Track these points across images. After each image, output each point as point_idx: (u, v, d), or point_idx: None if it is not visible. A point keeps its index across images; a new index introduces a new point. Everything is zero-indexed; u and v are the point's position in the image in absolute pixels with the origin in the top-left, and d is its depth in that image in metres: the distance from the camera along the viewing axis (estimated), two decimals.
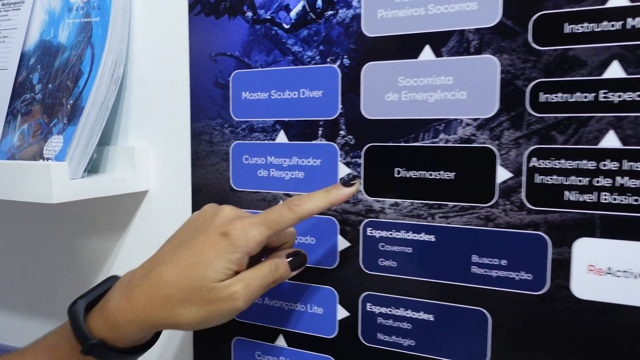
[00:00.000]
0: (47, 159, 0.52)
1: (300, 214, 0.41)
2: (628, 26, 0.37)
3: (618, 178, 0.38)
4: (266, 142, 0.50)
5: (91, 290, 0.43)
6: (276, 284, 0.42)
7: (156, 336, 0.44)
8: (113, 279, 0.44)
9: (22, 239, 0.69)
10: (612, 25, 0.37)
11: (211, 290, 0.39)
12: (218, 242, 0.39)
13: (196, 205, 0.54)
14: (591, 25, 0.38)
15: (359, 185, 0.45)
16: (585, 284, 0.39)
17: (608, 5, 0.37)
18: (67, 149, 0.52)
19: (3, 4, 0.60)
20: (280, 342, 0.51)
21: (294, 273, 0.43)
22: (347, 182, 0.42)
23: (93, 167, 0.57)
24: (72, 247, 0.64)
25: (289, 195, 0.49)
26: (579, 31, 0.38)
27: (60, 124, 0.53)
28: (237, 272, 0.40)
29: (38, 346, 0.44)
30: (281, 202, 0.45)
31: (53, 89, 0.55)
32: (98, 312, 0.41)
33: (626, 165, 0.38)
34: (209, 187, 0.53)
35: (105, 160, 0.58)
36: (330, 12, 0.46)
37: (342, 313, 0.48)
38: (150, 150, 0.57)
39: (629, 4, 0.37)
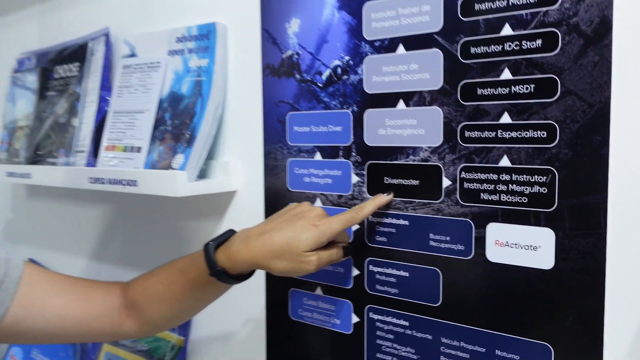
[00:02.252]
0: (174, 169, 0.83)
1: (362, 215, 0.67)
2: (512, 91, 0.59)
3: (510, 185, 0.60)
4: (308, 159, 0.77)
5: (218, 237, 0.69)
6: (333, 262, 0.68)
7: (253, 271, 0.71)
8: (231, 232, 0.70)
9: (157, 220, 1.01)
10: (504, 90, 0.60)
11: (299, 255, 0.63)
12: (311, 229, 0.64)
13: (267, 200, 0.82)
14: (492, 89, 0.61)
15: (392, 195, 0.70)
16: (494, 252, 0.62)
17: (501, 77, 0.60)
18: (186, 163, 0.82)
19: (148, 67, 0.92)
20: (318, 291, 0.78)
21: (344, 259, 0.70)
22: (385, 193, 0.69)
23: (202, 174, 0.86)
24: (188, 226, 0.95)
25: (323, 194, 0.76)
26: (485, 94, 0.61)
27: (182, 146, 0.83)
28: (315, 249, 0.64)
29: (168, 268, 0.72)
30: (318, 200, 0.72)
31: (178, 124, 0.85)
32: (223, 251, 0.67)
33: (514, 177, 0.60)
34: (274, 188, 0.81)
35: (210, 170, 0.87)
36: (345, 77, 0.72)
37: (355, 272, 0.74)
38: (238, 163, 0.85)
39: (512, 77, 0.59)
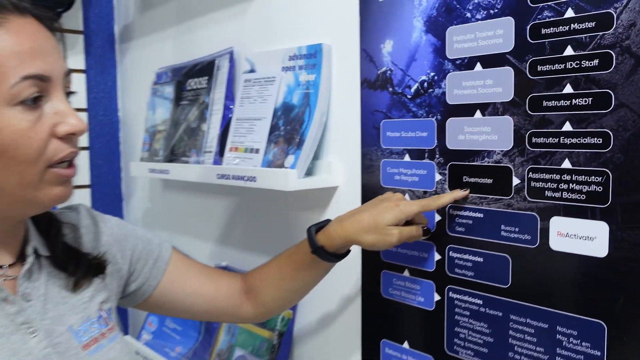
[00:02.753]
0: (286, 167, 0.99)
1: (438, 203, 0.81)
2: (573, 103, 0.69)
3: (570, 184, 0.70)
4: (398, 160, 0.90)
5: (317, 223, 0.85)
6: (412, 240, 0.81)
7: (348, 252, 0.85)
8: (328, 220, 0.84)
9: (271, 210, 1.18)
10: (566, 102, 0.70)
11: (383, 229, 0.77)
12: (393, 208, 0.78)
13: (364, 195, 0.96)
14: (555, 102, 0.71)
15: (468, 191, 0.81)
16: (556, 242, 0.72)
17: (564, 91, 0.70)
18: (296, 163, 0.97)
19: (265, 81, 1.09)
20: (406, 273, 0.91)
21: (423, 238, 0.83)
22: (462, 189, 0.81)
23: (308, 172, 1.01)
24: (297, 216, 1.11)
25: (411, 190, 0.88)
26: (550, 105, 0.71)
27: (293, 149, 0.99)
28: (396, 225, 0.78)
29: (279, 256, 0.90)
30: (407, 196, 0.85)
31: (289, 129, 1.01)
32: (322, 233, 0.82)
33: (574, 177, 0.70)
34: (370, 184, 0.95)
35: (315, 169, 1.02)
36: (430, 90, 0.84)
37: (437, 257, 0.86)
38: (340, 163, 1.00)
39: (573, 91, 0.69)
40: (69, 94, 0.70)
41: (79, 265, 0.76)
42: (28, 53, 0.64)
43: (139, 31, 1.57)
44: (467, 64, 0.80)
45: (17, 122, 0.63)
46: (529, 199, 0.74)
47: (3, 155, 0.63)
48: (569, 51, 0.69)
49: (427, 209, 0.81)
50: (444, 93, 0.83)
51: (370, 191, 0.95)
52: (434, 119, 0.84)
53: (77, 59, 1.58)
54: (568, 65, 0.69)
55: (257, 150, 1.06)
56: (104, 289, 0.79)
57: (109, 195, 1.67)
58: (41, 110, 0.65)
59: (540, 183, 0.73)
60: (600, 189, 0.68)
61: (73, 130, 0.67)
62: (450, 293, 0.85)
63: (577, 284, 0.71)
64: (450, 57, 0.81)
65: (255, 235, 1.23)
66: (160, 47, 1.49)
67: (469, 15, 0.79)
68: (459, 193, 0.81)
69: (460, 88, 0.81)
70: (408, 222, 0.81)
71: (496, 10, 0.76)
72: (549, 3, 0.70)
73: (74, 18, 1.57)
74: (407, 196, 0.89)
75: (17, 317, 0.67)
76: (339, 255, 0.84)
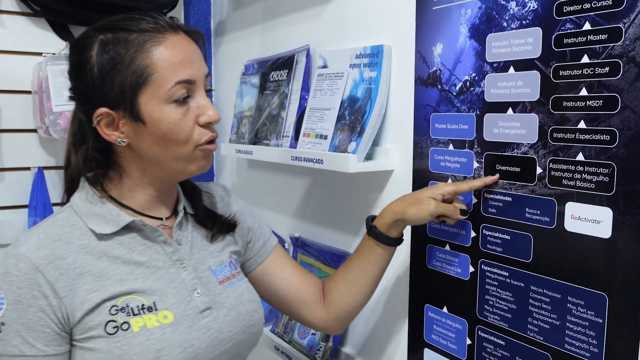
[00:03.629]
0: (349, 152, 1.14)
1: (471, 185, 0.94)
2: (587, 105, 0.80)
3: (583, 174, 0.81)
4: (444, 149, 1.03)
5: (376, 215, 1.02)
6: (449, 214, 0.94)
7: (401, 238, 1.01)
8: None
9: (337, 189, 1.34)
10: (581, 104, 0.81)
11: (423, 200, 0.93)
12: (432, 187, 0.95)
13: (414, 178, 1.10)
14: (573, 103, 0.82)
15: (497, 177, 0.93)
16: (570, 224, 0.84)
17: (580, 94, 0.81)
18: (357, 148, 1.13)
19: (335, 76, 1.24)
20: (447, 247, 1.04)
21: (462, 217, 0.95)
22: (492, 174, 0.94)
23: (369, 157, 1.17)
24: (359, 195, 1.27)
25: (453, 175, 1.01)
26: (568, 106, 0.82)
27: (355, 136, 1.15)
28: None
29: (349, 258, 1.06)
30: (450, 180, 0.99)
31: (353, 119, 1.17)
32: (377, 217, 1.00)
33: (586, 168, 0.81)
34: (420, 169, 1.09)
35: (375, 154, 1.17)
36: (472, 88, 0.97)
37: (472, 234, 0.99)
38: (395, 149, 1.15)
39: (587, 94, 0.80)
40: (208, 91, 0.93)
41: (215, 223, 1.02)
42: (180, 63, 0.87)
43: (231, 27, 1.77)
44: (502, 67, 0.91)
45: (172, 115, 0.87)
46: (549, 186, 0.86)
47: (164, 138, 0.88)
48: (585, 59, 0.80)
49: (460, 190, 0.95)
50: (483, 92, 0.95)
51: (420, 175, 1.09)
52: (474, 114, 0.97)
53: None
54: (584, 72, 0.80)
55: (325, 137, 1.22)
56: (233, 243, 1.05)
57: None
58: (188, 105, 0.89)
59: (559, 172, 0.84)
60: (607, 179, 0.78)
61: (210, 119, 0.90)
62: (483, 266, 0.98)
63: (586, 261, 0.82)
64: (489, 60, 0.94)
65: (323, 211, 1.41)
66: (248, 42, 1.68)
67: (505, 24, 0.90)
68: (489, 178, 0.93)
69: (496, 88, 0.93)
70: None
71: (527, 21, 0.87)
72: (570, 17, 0.81)
73: (176, 15, 1.79)
74: (449, 180, 1.02)
75: (173, 255, 0.93)
76: (392, 238, 0.99)
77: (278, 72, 1.47)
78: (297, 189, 1.51)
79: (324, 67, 1.30)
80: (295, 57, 1.41)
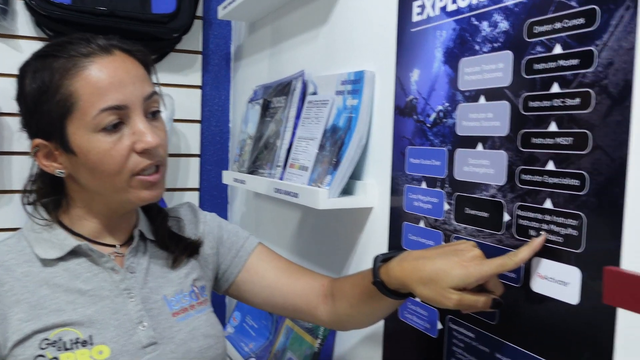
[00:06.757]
0: (322, 186, 1.05)
1: (516, 261, 0.68)
2: (556, 142, 0.67)
3: (550, 225, 0.68)
4: (417, 186, 0.91)
5: (388, 252, 0.82)
6: (476, 310, 0.71)
7: (410, 293, 0.77)
8: (400, 251, 0.80)
9: (303, 226, 1.24)
10: (551, 141, 0.68)
11: (443, 289, 0.69)
12: (461, 268, 0.68)
13: (392, 217, 0.98)
14: (542, 139, 0.69)
15: (544, 237, 0.68)
16: (537, 283, 0.70)
17: (549, 129, 0.68)
18: (332, 182, 1.03)
19: (321, 103, 1.16)
20: (417, 298, 0.92)
21: (490, 310, 0.71)
22: (538, 236, 0.69)
23: (345, 192, 1.07)
24: (338, 232, 1.16)
25: (425, 217, 0.89)
26: (537, 143, 0.69)
27: (331, 169, 1.05)
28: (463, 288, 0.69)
29: (357, 276, 0.90)
30: (422, 222, 0.87)
31: (333, 150, 1.07)
32: (385, 266, 0.78)
33: (554, 218, 0.67)
34: (396, 207, 0.97)
35: (355, 188, 1.07)
36: (445, 120, 0.85)
37: None
38: (375, 184, 1.04)
39: (557, 129, 0.67)
40: (155, 112, 0.86)
41: (178, 245, 0.94)
42: (106, 88, 0.80)
43: (247, 51, 1.73)
44: (474, 96, 0.80)
45: (101, 145, 0.80)
46: (516, 236, 0.73)
47: (95, 169, 0.82)
48: (555, 88, 0.67)
49: (503, 270, 0.69)
50: (455, 124, 0.83)
51: (397, 214, 0.97)
52: (446, 149, 0.85)
53: (194, 76, 1.79)
54: (554, 103, 0.67)
55: (306, 168, 1.13)
56: (198, 269, 0.96)
57: (216, 198, 1.85)
58: (121, 132, 0.81)
59: (526, 221, 0.71)
60: (576, 232, 0.65)
61: (147, 146, 0.82)
62: (450, 323, 0.85)
63: (552, 330, 0.68)
64: (461, 89, 0.82)
65: (309, 247, 1.31)
66: (260, 66, 1.63)
67: (477, 47, 0.79)
68: (536, 242, 0.69)
69: (467, 120, 0.81)
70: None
71: (499, 44, 0.75)
72: (541, 38, 0.69)
73: (194, 40, 1.77)
74: (422, 222, 0.90)
75: (120, 284, 0.86)
76: (400, 294, 0.79)
77: (278, 98, 1.40)
78: (290, 222, 1.42)
79: (314, 93, 1.22)
80: (293, 83, 1.33)
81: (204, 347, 0.89)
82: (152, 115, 0.85)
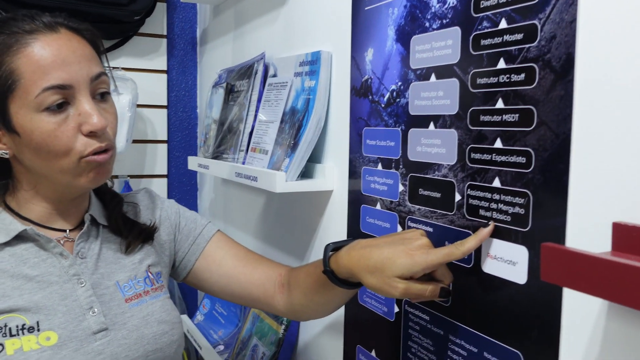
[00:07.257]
0: (281, 170, 1.03)
1: (462, 250, 0.67)
2: (503, 119, 0.65)
3: (499, 204, 0.67)
4: (374, 168, 0.90)
5: (338, 241, 0.80)
6: (423, 299, 0.70)
7: (359, 284, 0.77)
8: (352, 240, 0.78)
9: (267, 211, 1.23)
10: (498, 118, 0.66)
11: (389, 278, 0.68)
12: (407, 257, 0.68)
13: (350, 201, 0.97)
14: (489, 117, 0.67)
15: (492, 226, 0.67)
16: (488, 264, 0.69)
17: (496, 106, 0.66)
18: (290, 165, 1.01)
19: (281, 86, 1.13)
20: None
21: (438, 299, 0.73)
22: (485, 225, 0.68)
23: (305, 175, 1.05)
24: (298, 215, 1.14)
25: (381, 199, 0.88)
26: (485, 120, 0.68)
27: (289, 152, 1.03)
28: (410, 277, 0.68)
29: (311, 265, 0.88)
30: (379, 204, 0.85)
31: (291, 133, 1.05)
32: (335, 255, 0.77)
33: (502, 197, 0.66)
34: (354, 191, 0.95)
35: (315, 171, 1.05)
36: (398, 100, 0.84)
37: None
38: (335, 167, 1.02)
39: (504, 106, 0.65)
40: (103, 94, 0.83)
41: (131, 231, 0.92)
42: (50, 66, 0.76)
43: (212, 34, 1.69)
44: (425, 74, 0.78)
45: (45, 125, 0.77)
46: (467, 216, 0.71)
47: (40, 150, 0.78)
48: (501, 64, 0.66)
49: (449, 259, 0.68)
50: (407, 103, 0.82)
51: (355, 197, 0.96)
52: (399, 129, 0.83)
53: (159, 61, 1.75)
54: (500, 79, 0.66)
55: (266, 152, 1.11)
56: (154, 254, 0.94)
57: (185, 184, 1.83)
58: (67, 112, 0.78)
59: (476, 201, 0.70)
60: (522, 211, 0.64)
61: (93, 128, 0.79)
62: (406, 306, 0.84)
63: (502, 310, 0.67)
64: (413, 67, 0.80)
65: (273, 232, 1.29)
66: (224, 49, 1.59)
67: (427, 24, 0.77)
68: (483, 232, 0.68)
69: (419, 99, 0.79)
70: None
71: (447, 20, 0.73)
72: (487, 13, 0.67)
73: (159, 24, 1.73)
74: (378, 205, 0.89)
75: (69, 269, 0.83)
76: (350, 283, 0.78)
77: (240, 81, 1.37)
78: (255, 207, 1.40)
79: (274, 76, 1.20)
80: (255, 65, 1.30)
81: (158, 333, 0.87)
82: (101, 96, 0.82)
